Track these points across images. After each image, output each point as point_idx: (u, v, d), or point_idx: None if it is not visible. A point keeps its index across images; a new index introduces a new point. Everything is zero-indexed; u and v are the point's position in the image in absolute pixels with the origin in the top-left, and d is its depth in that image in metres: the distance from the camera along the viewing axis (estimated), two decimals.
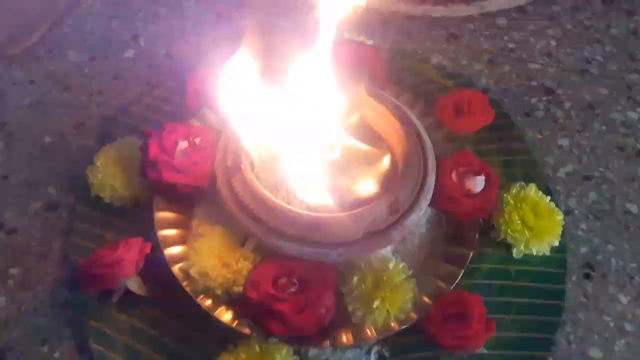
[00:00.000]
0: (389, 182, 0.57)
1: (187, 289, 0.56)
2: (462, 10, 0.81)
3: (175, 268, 0.57)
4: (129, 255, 0.56)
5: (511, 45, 0.84)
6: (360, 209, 0.53)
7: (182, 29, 0.86)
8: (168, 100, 0.75)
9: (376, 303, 0.53)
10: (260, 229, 0.54)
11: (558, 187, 0.69)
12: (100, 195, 0.64)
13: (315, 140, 0.57)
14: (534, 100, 0.77)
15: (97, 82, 0.80)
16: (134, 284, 0.57)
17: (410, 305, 0.54)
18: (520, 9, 0.88)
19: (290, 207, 0.53)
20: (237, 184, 0.56)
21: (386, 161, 0.60)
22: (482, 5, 0.81)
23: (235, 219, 0.56)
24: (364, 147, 0.59)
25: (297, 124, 0.57)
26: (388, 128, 0.61)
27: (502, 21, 0.87)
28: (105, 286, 0.56)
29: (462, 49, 0.83)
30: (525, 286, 0.60)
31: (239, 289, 0.55)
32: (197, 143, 0.61)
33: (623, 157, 0.71)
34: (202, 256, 0.56)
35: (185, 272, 0.56)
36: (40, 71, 0.81)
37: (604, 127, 0.74)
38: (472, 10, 0.82)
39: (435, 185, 0.58)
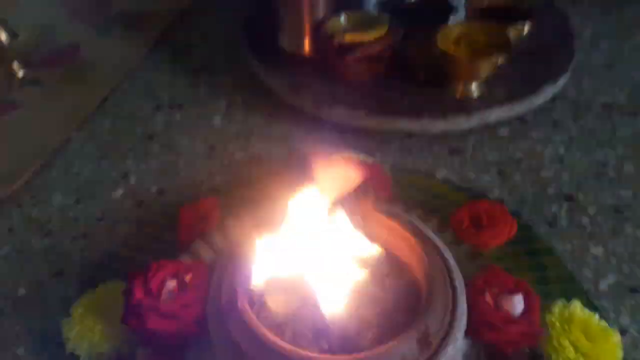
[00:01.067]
0: (413, 310, 0.49)
1: None
2: (462, 123, 0.79)
3: None
4: None
5: (518, 155, 0.80)
6: (384, 347, 0.44)
7: (175, 164, 0.83)
8: (159, 238, 0.69)
9: None
10: None
11: (604, 303, 0.60)
12: (76, 353, 0.55)
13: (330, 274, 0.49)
14: (554, 208, 0.71)
15: (82, 225, 0.74)
16: None
17: None
18: (520, 120, 0.85)
19: (302, 350, 0.44)
20: (233, 325, 0.47)
21: (407, 281, 0.52)
22: (482, 117, 0.79)
23: None
24: (381, 271, 0.52)
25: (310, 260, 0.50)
26: (404, 247, 0.54)
27: (503, 132, 0.84)
28: None
29: (468, 162, 0.79)
30: None
31: None
32: (187, 281, 0.54)
33: None
34: None
35: None
36: (20, 218, 0.75)
37: (638, 232, 0.67)
38: (472, 122, 0.79)
39: (467, 311, 0.49)
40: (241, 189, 0.73)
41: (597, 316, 0.54)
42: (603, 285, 0.62)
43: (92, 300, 0.58)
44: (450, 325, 0.47)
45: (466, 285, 0.52)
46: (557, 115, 0.87)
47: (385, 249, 0.54)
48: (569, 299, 0.55)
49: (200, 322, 0.52)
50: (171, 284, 0.54)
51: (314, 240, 0.51)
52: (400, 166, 0.78)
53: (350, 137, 0.82)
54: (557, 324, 0.52)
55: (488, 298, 0.51)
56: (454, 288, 0.50)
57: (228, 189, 0.74)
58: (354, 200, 0.55)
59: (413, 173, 0.77)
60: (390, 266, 0.55)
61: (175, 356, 0.53)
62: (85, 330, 0.55)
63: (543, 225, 0.69)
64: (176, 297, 0.53)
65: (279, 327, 0.49)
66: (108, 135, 0.88)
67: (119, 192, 0.78)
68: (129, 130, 0.89)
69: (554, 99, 0.86)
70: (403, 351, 0.44)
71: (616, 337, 0.52)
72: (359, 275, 0.51)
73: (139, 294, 0.53)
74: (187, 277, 0.54)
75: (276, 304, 0.50)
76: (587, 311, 0.54)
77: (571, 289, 0.59)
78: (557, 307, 0.54)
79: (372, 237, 0.53)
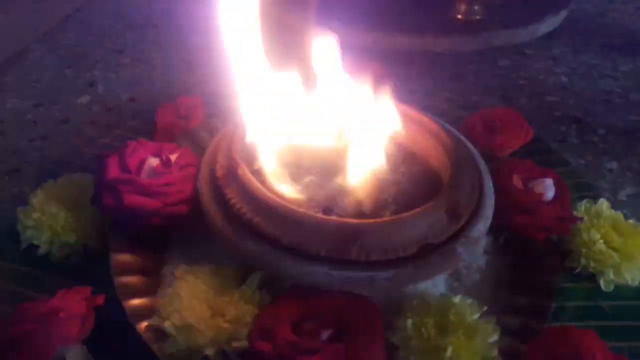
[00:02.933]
0: (439, 186, 0.43)
1: (160, 354, 0.37)
2: (467, 44, 0.74)
3: (142, 326, 0.39)
4: (71, 306, 0.38)
5: (521, 82, 0.76)
6: (412, 212, 0.38)
7: (148, 77, 0.74)
8: (131, 140, 0.60)
9: (448, 353, 0.36)
10: (268, 251, 0.37)
11: (625, 211, 0.55)
12: (36, 243, 0.46)
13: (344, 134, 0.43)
14: (563, 128, 0.67)
15: (42, 127, 0.65)
16: (77, 356, 0.38)
17: (495, 351, 0.37)
18: (520, 52, 0.81)
19: (312, 212, 0.38)
20: (232, 194, 0.40)
21: (424, 168, 0.46)
22: (487, 40, 0.74)
23: (232, 245, 0.39)
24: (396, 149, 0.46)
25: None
26: (421, 132, 0.48)
27: (504, 62, 0.80)
28: (30, 358, 0.36)
29: (470, 87, 0.74)
30: (627, 327, 0.44)
31: (240, 343, 0.36)
32: (172, 160, 0.46)
33: None
34: (181, 304, 0.38)
35: (157, 331, 0.38)
36: None
37: None
38: (477, 44, 0.74)
39: (495, 194, 0.44)
40: (227, 94, 0.66)
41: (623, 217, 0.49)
42: (621, 196, 0.58)
43: (55, 188, 0.49)
44: (480, 200, 0.41)
45: (491, 173, 0.46)
46: (557, 50, 0.83)
47: (401, 139, 0.48)
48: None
49: (189, 202, 0.44)
50: (153, 161, 0.46)
51: (327, 110, 0.44)
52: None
53: (347, 57, 0.75)
54: (586, 217, 0.47)
55: (517, 181, 0.45)
56: (478, 170, 0.45)
57: (212, 92, 0.66)
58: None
59: (413, 92, 0.71)
60: (405, 155, 0.49)
61: (154, 244, 0.45)
62: (46, 217, 0.46)
63: (554, 143, 0.65)
64: (159, 174, 0.45)
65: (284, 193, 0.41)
66: (72, 48, 0.79)
67: (86, 98, 0.69)
68: (96, 44, 0.80)
69: (551, 35, 0.82)
70: (431, 220, 0.38)
71: None
72: (373, 160, 0.45)
73: (113, 170, 0.44)
74: (173, 156, 0.47)
75: (281, 178, 0.43)
76: (614, 210, 0.49)
77: (591, 197, 0.55)
78: (584, 203, 0.49)
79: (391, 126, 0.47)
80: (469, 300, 0.39)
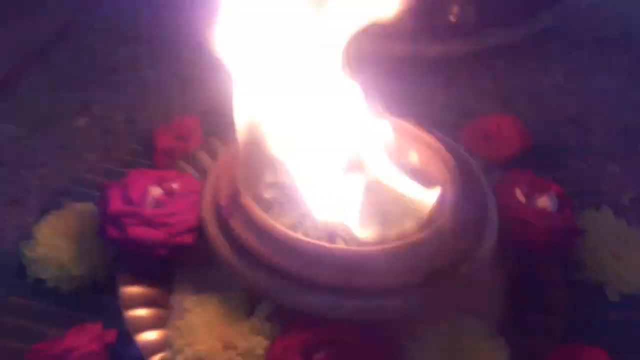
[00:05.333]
0: (441, 207, 0.43)
1: None
2: (459, 46, 0.74)
3: None
4: (83, 345, 0.38)
5: (517, 83, 0.76)
6: (418, 236, 0.38)
7: (143, 96, 0.74)
8: (132, 164, 0.60)
9: None
10: (276, 282, 0.38)
11: (629, 216, 0.56)
12: (43, 277, 0.46)
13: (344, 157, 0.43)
14: (562, 130, 0.67)
15: (40, 154, 0.64)
16: None
17: None
18: (514, 52, 0.81)
19: (319, 242, 0.38)
20: (237, 224, 0.40)
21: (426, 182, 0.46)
22: (480, 41, 0.74)
23: (238, 275, 0.40)
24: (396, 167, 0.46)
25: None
26: (420, 147, 0.48)
27: (499, 62, 0.79)
28: None
29: (466, 91, 0.74)
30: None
31: None
32: (174, 188, 0.46)
33: None
34: (193, 337, 0.38)
35: None
36: None
37: None
38: (469, 46, 0.74)
39: (498, 209, 0.44)
40: (224, 110, 0.65)
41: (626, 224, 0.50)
42: (624, 200, 0.58)
43: (58, 219, 0.49)
44: (484, 219, 0.42)
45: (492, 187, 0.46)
46: (551, 48, 0.83)
47: (401, 156, 0.48)
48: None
49: (193, 232, 0.44)
50: (156, 191, 0.46)
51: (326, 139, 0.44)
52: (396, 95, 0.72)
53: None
54: (591, 227, 0.48)
55: (519, 195, 0.46)
56: (481, 186, 0.45)
57: (208, 110, 0.66)
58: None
59: (410, 99, 0.71)
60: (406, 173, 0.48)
61: (160, 275, 0.45)
62: (51, 251, 0.47)
63: (553, 148, 0.65)
64: (162, 205, 0.45)
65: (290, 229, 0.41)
66: (65, 68, 0.79)
67: (83, 121, 0.69)
68: (89, 63, 0.79)
69: (545, 33, 0.82)
70: (437, 243, 0.38)
71: None
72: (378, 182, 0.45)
73: (116, 202, 0.44)
74: (175, 185, 0.47)
75: (283, 208, 0.43)
76: (617, 217, 0.50)
77: (593, 203, 0.55)
78: (587, 213, 0.50)
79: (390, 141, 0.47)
80: (478, 321, 0.40)
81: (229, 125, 0.61)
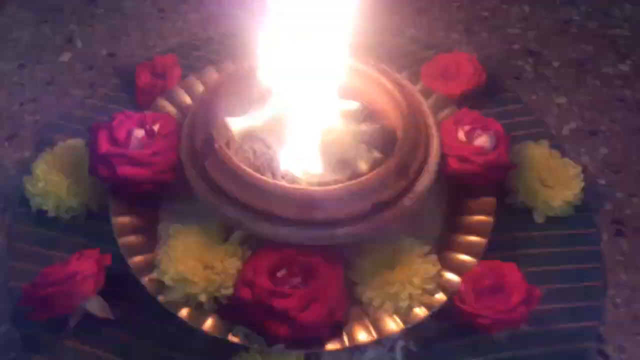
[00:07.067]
0: (390, 147, 0.49)
1: (163, 302, 0.45)
2: None
3: (145, 279, 0.46)
4: (85, 268, 0.45)
5: (485, 14, 0.79)
6: (365, 177, 0.44)
7: (125, 27, 0.77)
8: (115, 99, 0.65)
9: (395, 287, 0.44)
10: (246, 215, 0.44)
11: (566, 146, 0.62)
12: (44, 208, 0.53)
13: (304, 105, 0.48)
14: (520, 62, 0.72)
15: (30, 89, 0.69)
16: (95, 305, 0.46)
17: (435, 284, 0.45)
18: None
19: (281, 182, 0.44)
20: (211, 167, 0.46)
21: (382, 126, 0.51)
22: None
23: (214, 209, 0.46)
24: (356, 110, 0.51)
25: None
26: (378, 91, 0.53)
27: None
28: (58, 311, 0.45)
29: (435, 21, 0.77)
30: (555, 252, 0.53)
31: (227, 291, 0.44)
32: (155, 130, 0.52)
33: (625, 108, 0.66)
34: (177, 260, 0.45)
35: (158, 282, 0.46)
36: None
37: (598, 82, 0.69)
38: None
39: (441, 148, 0.50)
40: (199, 47, 0.69)
41: (559, 155, 0.56)
42: (565, 131, 0.64)
43: (53, 157, 0.55)
44: (426, 157, 0.48)
45: (440, 126, 0.52)
46: None
47: (361, 98, 0.53)
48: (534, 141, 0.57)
49: (174, 169, 0.50)
50: (139, 132, 0.51)
51: (290, 84, 0.49)
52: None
53: None
54: (523, 160, 0.54)
55: (460, 134, 0.52)
56: (427, 127, 0.51)
57: (185, 47, 0.69)
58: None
59: (381, 32, 0.74)
60: (365, 115, 0.54)
61: (148, 205, 0.52)
62: (50, 185, 0.53)
63: (510, 79, 0.70)
64: (145, 145, 0.51)
65: (256, 170, 0.47)
66: (46, 0, 0.80)
67: (67, 55, 0.73)
68: None
69: None
70: (382, 181, 0.45)
71: (576, 169, 0.54)
72: (335, 121, 0.50)
73: (104, 144, 0.50)
74: (155, 127, 0.52)
75: (251, 149, 0.49)
76: (550, 150, 0.56)
77: (536, 134, 0.61)
78: (523, 145, 0.56)
79: (348, 86, 0.52)
80: (417, 240, 0.47)
81: (205, 60, 0.66)
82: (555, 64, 0.72)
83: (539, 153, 0.55)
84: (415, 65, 0.65)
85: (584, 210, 0.55)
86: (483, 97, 0.63)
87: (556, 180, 0.54)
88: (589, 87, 0.69)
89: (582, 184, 0.54)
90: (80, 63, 0.72)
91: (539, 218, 0.54)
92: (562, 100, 0.67)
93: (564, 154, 0.59)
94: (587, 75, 0.70)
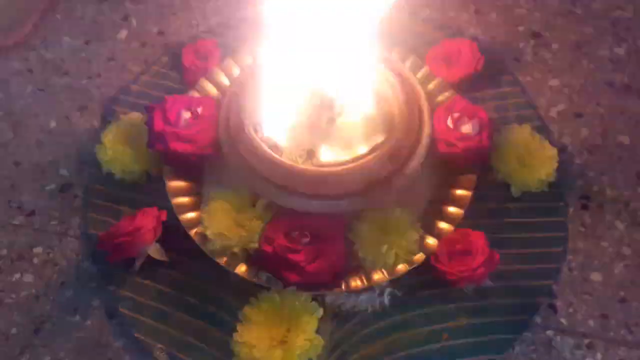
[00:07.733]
0: (386, 132, 0.59)
1: (206, 250, 0.59)
2: None
3: (192, 232, 0.60)
4: (147, 223, 0.59)
5: None
6: (361, 161, 0.56)
7: (172, 6, 0.87)
8: (165, 76, 0.77)
9: (385, 248, 0.56)
10: (269, 188, 0.57)
11: (551, 126, 0.71)
12: (112, 171, 0.67)
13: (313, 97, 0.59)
14: (522, 45, 0.79)
15: (95, 65, 0.81)
16: (154, 250, 0.61)
17: (416, 247, 0.57)
18: None
19: (296, 164, 0.56)
20: (242, 147, 0.58)
21: (381, 113, 0.62)
22: None
23: (244, 181, 0.59)
24: (360, 100, 0.61)
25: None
26: (381, 81, 0.63)
27: None
28: (127, 254, 0.60)
29: (447, 1, 0.84)
30: (526, 222, 0.63)
31: (254, 245, 0.58)
32: (199, 112, 0.64)
33: (612, 92, 0.73)
34: (216, 219, 0.59)
35: (202, 235, 0.59)
36: (37, 59, 0.82)
37: (592, 65, 0.76)
38: None
39: (432, 133, 0.60)
40: (237, 28, 0.79)
41: (542, 137, 0.65)
42: (552, 112, 0.72)
43: (117, 128, 0.68)
44: (416, 144, 0.58)
45: (434, 113, 0.62)
46: None
47: (364, 83, 0.63)
48: (521, 123, 0.66)
49: (214, 145, 0.62)
50: (186, 114, 0.63)
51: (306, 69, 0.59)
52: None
53: None
54: (506, 142, 0.64)
55: (450, 122, 0.61)
56: (421, 115, 0.61)
57: (224, 29, 0.80)
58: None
59: (396, 12, 0.82)
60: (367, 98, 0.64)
61: (194, 172, 0.65)
62: (116, 154, 0.66)
63: (510, 61, 0.77)
64: (191, 125, 0.63)
65: (277, 149, 0.59)
66: None
67: (124, 33, 0.84)
68: None
69: None
70: (375, 164, 0.56)
71: (552, 151, 0.64)
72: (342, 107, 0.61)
73: (159, 122, 0.63)
74: (199, 109, 0.64)
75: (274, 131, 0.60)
76: (532, 132, 0.65)
77: (526, 115, 0.70)
78: (508, 129, 0.65)
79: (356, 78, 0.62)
80: (406, 211, 0.59)
81: (243, 40, 0.75)
82: (555, 46, 0.78)
83: (520, 136, 0.65)
84: (425, 47, 0.73)
85: (557, 186, 0.64)
86: (482, 79, 0.72)
87: (533, 161, 0.63)
88: (582, 70, 0.76)
89: (556, 165, 0.63)
90: (135, 40, 0.83)
91: (515, 193, 0.64)
92: (555, 82, 0.75)
93: (549, 134, 0.69)
94: (583, 58, 0.77)
